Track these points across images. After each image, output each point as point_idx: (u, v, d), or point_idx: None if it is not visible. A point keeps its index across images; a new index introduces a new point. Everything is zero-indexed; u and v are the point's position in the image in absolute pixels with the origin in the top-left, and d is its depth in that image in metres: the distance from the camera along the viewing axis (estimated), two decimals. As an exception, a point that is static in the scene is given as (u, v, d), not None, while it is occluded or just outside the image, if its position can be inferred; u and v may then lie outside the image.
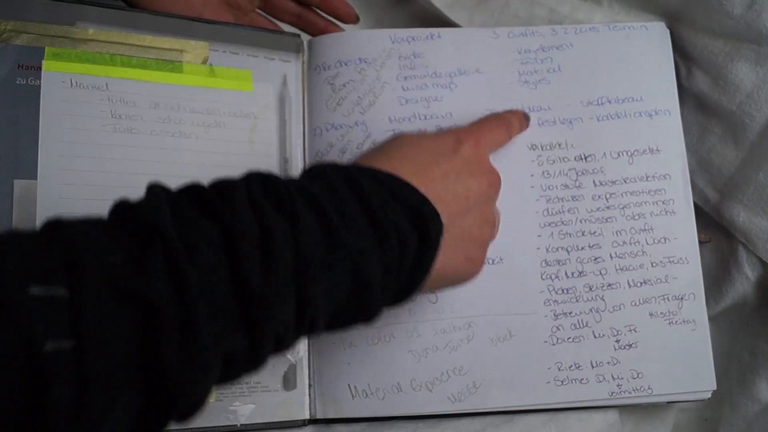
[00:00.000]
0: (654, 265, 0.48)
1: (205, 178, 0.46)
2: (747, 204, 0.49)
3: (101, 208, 0.43)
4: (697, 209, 0.52)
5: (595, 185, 0.49)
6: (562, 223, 0.48)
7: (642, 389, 0.47)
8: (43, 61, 0.43)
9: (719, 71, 0.50)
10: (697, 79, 0.52)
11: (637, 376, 0.47)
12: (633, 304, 0.48)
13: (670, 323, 0.48)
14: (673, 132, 0.51)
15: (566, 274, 0.48)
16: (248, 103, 0.48)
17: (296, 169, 0.49)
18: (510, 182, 0.48)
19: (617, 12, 0.54)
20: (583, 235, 0.48)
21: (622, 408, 0.49)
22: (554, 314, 0.47)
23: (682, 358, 0.47)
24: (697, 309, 0.48)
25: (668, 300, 0.48)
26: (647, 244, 0.48)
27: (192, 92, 0.47)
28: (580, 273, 0.48)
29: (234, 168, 0.47)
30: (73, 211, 0.42)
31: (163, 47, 0.47)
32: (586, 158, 0.49)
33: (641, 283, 0.48)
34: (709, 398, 0.48)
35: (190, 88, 0.47)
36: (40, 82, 0.43)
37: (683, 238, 0.49)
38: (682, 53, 0.53)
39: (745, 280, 0.50)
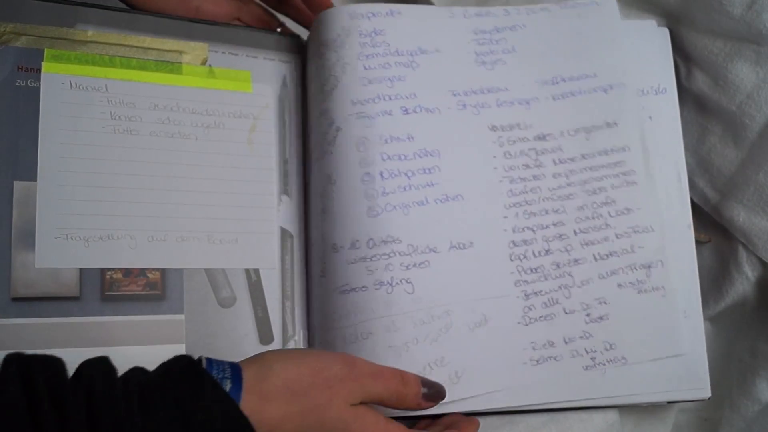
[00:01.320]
0: (618, 236, 0.48)
1: (205, 178, 0.46)
2: (747, 204, 0.50)
3: (100, 209, 0.43)
4: (697, 209, 0.52)
5: (554, 163, 0.49)
6: (526, 203, 0.48)
7: (616, 359, 0.46)
8: (43, 63, 0.43)
9: (719, 71, 0.50)
10: (697, 79, 0.52)
11: (611, 347, 0.47)
12: (600, 277, 0.47)
13: (639, 291, 0.48)
14: (629, 104, 0.50)
15: (533, 253, 0.47)
16: (248, 104, 0.48)
17: (296, 169, 0.49)
18: (474, 164, 0.48)
19: (617, 12, 0.54)
20: (546, 213, 0.48)
21: (622, 408, 0.49)
22: (525, 294, 0.47)
23: (653, 324, 0.47)
24: (666, 275, 0.48)
25: (635, 269, 0.48)
26: (610, 216, 0.48)
27: (191, 93, 0.47)
28: (547, 251, 0.47)
29: (233, 168, 0.47)
30: (73, 212, 0.42)
31: (162, 48, 0.47)
32: (544, 137, 0.49)
33: (607, 256, 0.48)
34: (709, 398, 0.48)
35: (189, 89, 0.47)
36: (39, 84, 0.43)
37: (646, 207, 0.49)
38: (682, 53, 0.53)
39: (745, 280, 0.50)
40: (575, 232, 0.48)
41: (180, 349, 0.44)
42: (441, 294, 0.45)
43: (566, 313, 0.47)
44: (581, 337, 0.46)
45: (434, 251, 0.46)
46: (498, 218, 0.47)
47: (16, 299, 0.40)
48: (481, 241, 0.47)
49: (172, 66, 0.47)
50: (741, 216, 0.50)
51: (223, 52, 0.49)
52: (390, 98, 0.47)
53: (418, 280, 0.45)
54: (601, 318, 0.47)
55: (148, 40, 0.47)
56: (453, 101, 0.48)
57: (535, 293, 0.47)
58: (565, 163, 0.49)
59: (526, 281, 0.47)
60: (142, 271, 0.44)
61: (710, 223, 0.52)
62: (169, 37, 0.47)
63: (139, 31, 0.46)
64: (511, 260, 0.47)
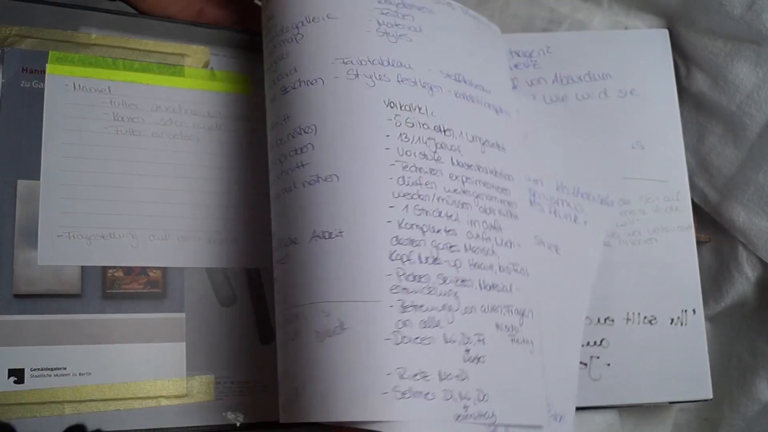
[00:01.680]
0: (501, 269, 0.42)
1: (206, 179, 0.47)
2: (747, 204, 0.49)
3: (103, 209, 0.44)
4: (697, 209, 0.52)
5: (453, 163, 0.42)
6: (419, 196, 0.40)
7: (486, 415, 0.38)
8: (47, 65, 0.44)
9: (719, 71, 0.50)
10: (697, 79, 0.52)
11: (483, 398, 0.38)
12: (483, 309, 0.40)
13: (512, 340, 0.41)
14: (514, 134, 0.47)
15: (420, 258, 0.39)
16: (249, 106, 0.49)
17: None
18: (360, 141, 0.40)
19: (617, 13, 0.54)
20: (440, 215, 0.40)
21: (621, 408, 0.49)
22: (402, 305, 0.37)
23: (521, 382, 0.41)
24: (535, 329, 0.42)
25: (512, 312, 0.41)
26: (497, 244, 0.42)
27: (193, 95, 0.48)
28: (435, 260, 0.39)
29: (234, 170, 0.48)
30: (75, 211, 0.43)
31: (164, 51, 0.48)
32: (445, 131, 0.42)
33: (490, 287, 0.41)
34: (709, 399, 0.48)
35: (191, 91, 0.48)
36: (43, 85, 0.44)
37: (525, 247, 0.44)
38: (682, 53, 0.53)
39: (745, 280, 0.50)
40: (465, 248, 0.41)
41: (180, 348, 0.44)
42: (297, 293, 0.39)
43: (446, 341, 0.38)
44: (457, 377, 0.38)
45: (294, 243, 0.39)
46: (382, 206, 0.39)
47: (18, 296, 0.41)
48: (355, 230, 0.38)
49: (174, 68, 0.48)
50: (741, 216, 0.50)
51: (225, 56, 0.49)
52: (273, 83, 0.43)
53: (281, 278, 0.40)
54: (478, 359, 0.39)
55: (151, 44, 0.47)
56: (341, 70, 0.41)
57: (415, 306, 0.38)
58: (463, 167, 0.42)
59: (405, 289, 0.38)
60: (144, 270, 0.44)
61: (710, 223, 0.52)
62: (171, 40, 0.48)
63: (141, 34, 0.47)
64: (392, 260, 0.38)
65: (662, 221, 0.49)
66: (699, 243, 0.49)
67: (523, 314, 0.42)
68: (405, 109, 0.42)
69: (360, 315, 0.37)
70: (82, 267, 0.43)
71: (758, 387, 0.49)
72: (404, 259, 0.38)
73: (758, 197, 0.49)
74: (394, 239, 0.39)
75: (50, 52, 0.44)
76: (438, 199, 0.41)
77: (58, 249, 0.42)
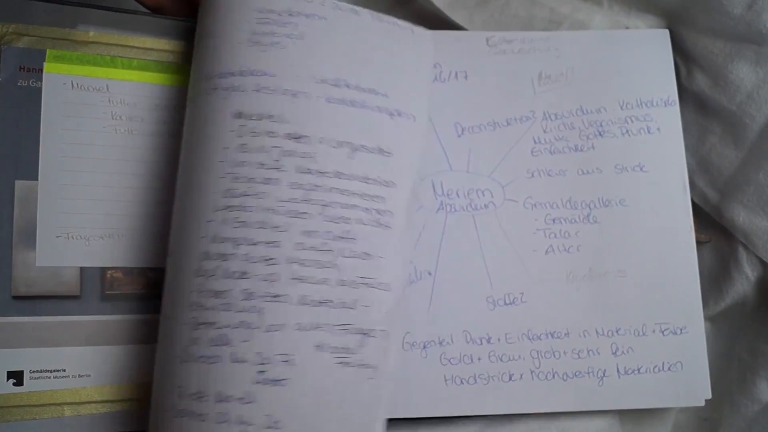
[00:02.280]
0: (343, 283, 0.39)
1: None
2: (747, 204, 0.49)
3: (101, 209, 0.44)
4: (697, 209, 0.52)
5: (298, 172, 0.41)
6: (242, 208, 0.39)
7: None
8: (45, 63, 0.44)
9: (719, 71, 0.50)
10: (697, 79, 0.52)
11: (274, 425, 0.37)
12: (298, 328, 0.38)
13: (342, 363, 0.38)
14: (412, 139, 0.44)
15: (225, 272, 0.38)
16: (248, 105, 0.49)
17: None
18: (202, 154, 0.41)
19: (617, 12, 0.54)
20: (262, 227, 0.39)
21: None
22: (196, 322, 0.38)
23: (345, 415, 0.38)
24: (384, 353, 0.40)
25: (348, 332, 0.39)
26: (342, 255, 0.40)
27: (192, 94, 0.47)
28: (243, 274, 0.38)
29: (234, 169, 0.47)
30: (74, 212, 0.43)
31: (163, 49, 0.47)
32: (299, 138, 0.41)
33: (319, 303, 0.39)
34: (709, 399, 0.48)
35: (190, 89, 0.47)
36: (41, 84, 0.43)
37: (392, 261, 0.41)
38: (682, 53, 0.53)
39: (745, 280, 0.50)
40: (288, 260, 0.39)
41: (180, 348, 0.44)
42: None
43: (233, 361, 0.37)
44: (240, 399, 0.37)
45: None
46: (200, 222, 0.39)
47: (16, 298, 0.41)
48: (180, 248, 0.40)
49: (173, 66, 0.47)
50: (741, 216, 0.50)
51: (224, 53, 0.49)
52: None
53: None
54: (276, 381, 0.37)
55: (150, 41, 0.47)
56: (205, 86, 0.42)
57: (208, 324, 0.38)
58: (312, 175, 0.41)
59: (202, 306, 0.38)
60: (143, 271, 0.44)
61: (710, 223, 0.52)
62: (170, 38, 0.47)
63: (140, 32, 0.47)
64: (197, 276, 0.39)
65: (662, 223, 0.49)
66: (699, 243, 0.49)
67: (367, 334, 0.39)
68: (253, 118, 0.41)
69: (164, 332, 0.40)
70: (81, 268, 0.42)
71: (758, 387, 0.49)
72: (208, 275, 0.38)
73: (758, 197, 0.49)
74: (203, 254, 0.39)
75: (48, 50, 0.44)
76: (266, 209, 0.40)
77: (57, 250, 0.42)
